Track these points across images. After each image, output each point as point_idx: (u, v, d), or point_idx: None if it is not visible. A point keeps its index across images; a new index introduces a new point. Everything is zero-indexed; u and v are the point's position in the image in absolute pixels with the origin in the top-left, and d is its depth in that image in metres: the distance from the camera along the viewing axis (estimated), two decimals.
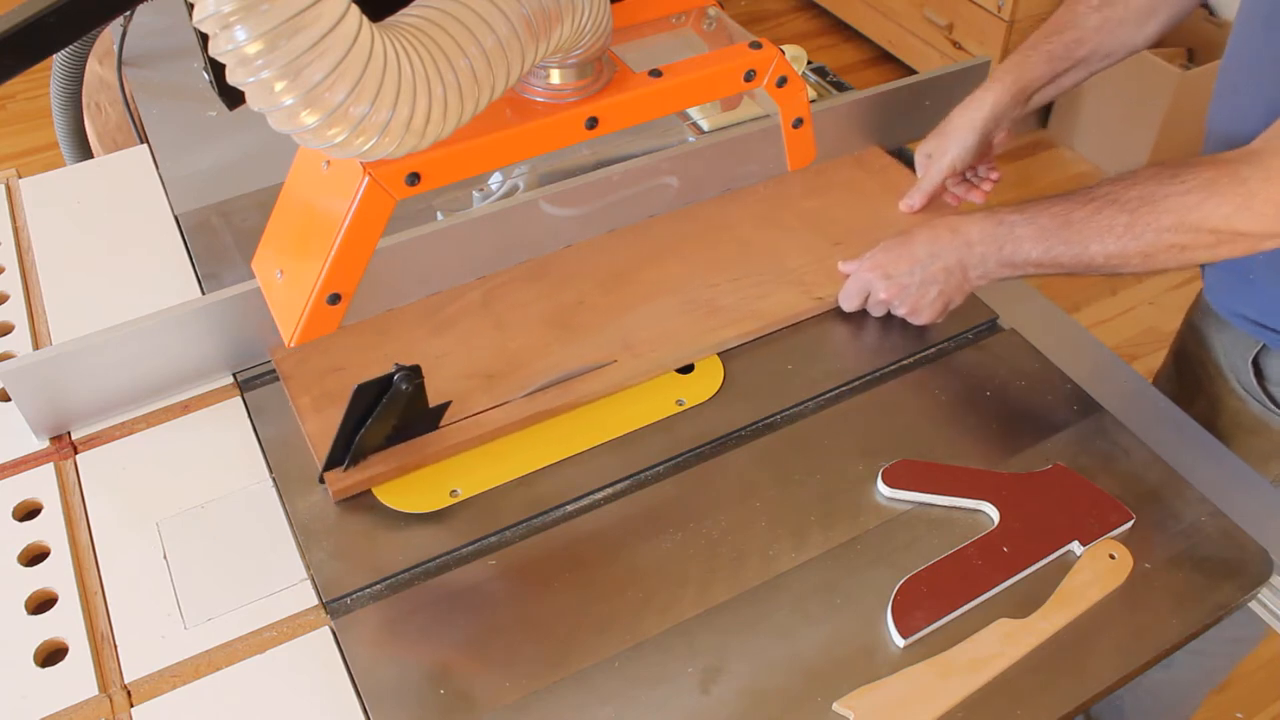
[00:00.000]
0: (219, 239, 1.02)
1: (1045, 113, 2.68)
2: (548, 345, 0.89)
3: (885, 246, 0.91)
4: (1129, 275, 0.80)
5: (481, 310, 0.92)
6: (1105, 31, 0.97)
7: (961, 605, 0.73)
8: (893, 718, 0.67)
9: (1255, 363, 0.94)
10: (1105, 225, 0.77)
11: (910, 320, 0.92)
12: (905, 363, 0.91)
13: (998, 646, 0.71)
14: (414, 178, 0.60)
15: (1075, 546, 0.76)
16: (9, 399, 0.83)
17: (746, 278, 0.96)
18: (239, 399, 0.87)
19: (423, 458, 0.81)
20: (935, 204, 1.04)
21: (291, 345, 0.64)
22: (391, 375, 0.75)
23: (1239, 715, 1.57)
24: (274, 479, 0.81)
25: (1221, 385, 0.98)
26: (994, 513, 0.78)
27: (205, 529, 0.78)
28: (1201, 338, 1.01)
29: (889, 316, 0.93)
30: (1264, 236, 0.73)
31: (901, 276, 0.89)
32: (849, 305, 0.94)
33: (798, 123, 0.78)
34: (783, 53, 0.71)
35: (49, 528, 0.78)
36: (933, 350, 0.93)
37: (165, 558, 0.76)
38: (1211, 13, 2.42)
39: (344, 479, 0.79)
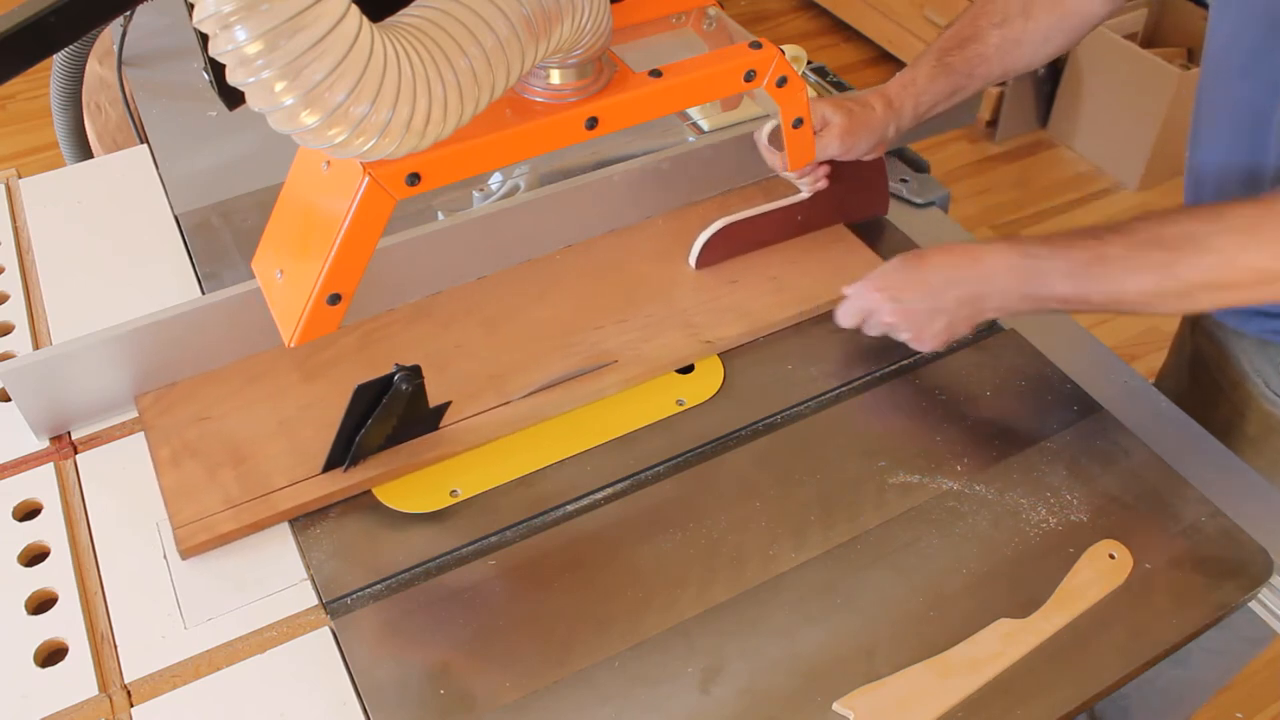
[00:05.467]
0: (219, 239, 1.02)
1: (1045, 113, 2.68)
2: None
3: (896, 267, 0.86)
4: (1158, 315, 0.78)
5: (357, 355, 0.88)
6: (1004, 50, 0.95)
7: (748, 251, 0.97)
8: (892, 717, 0.68)
9: None
10: (1141, 262, 0.74)
11: (912, 346, 0.87)
12: (905, 363, 0.91)
13: (998, 646, 0.71)
14: (414, 178, 0.60)
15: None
16: (9, 399, 0.83)
17: (634, 319, 0.92)
18: None
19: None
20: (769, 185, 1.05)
21: (291, 345, 0.64)
22: (391, 375, 0.75)
23: (1239, 715, 1.57)
24: None
25: (1246, 391, 0.96)
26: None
27: None
28: (1218, 346, 0.99)
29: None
30: None
31: (911, 302, 0.84)
32: (846, 323, 0.89)
33: (798, 123, 0.78)
34: (783, 53, 0.71)
35: (49, 528, 0.77)
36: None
37: (165, 558, 0.76)
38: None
39: (202, 533, 0.75)
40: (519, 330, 0.91)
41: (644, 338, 0.90)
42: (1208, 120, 0.90)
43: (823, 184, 0.98)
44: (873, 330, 0.89)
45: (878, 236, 1.03)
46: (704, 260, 0.97)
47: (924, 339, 0.86)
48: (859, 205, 1.02)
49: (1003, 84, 2.57)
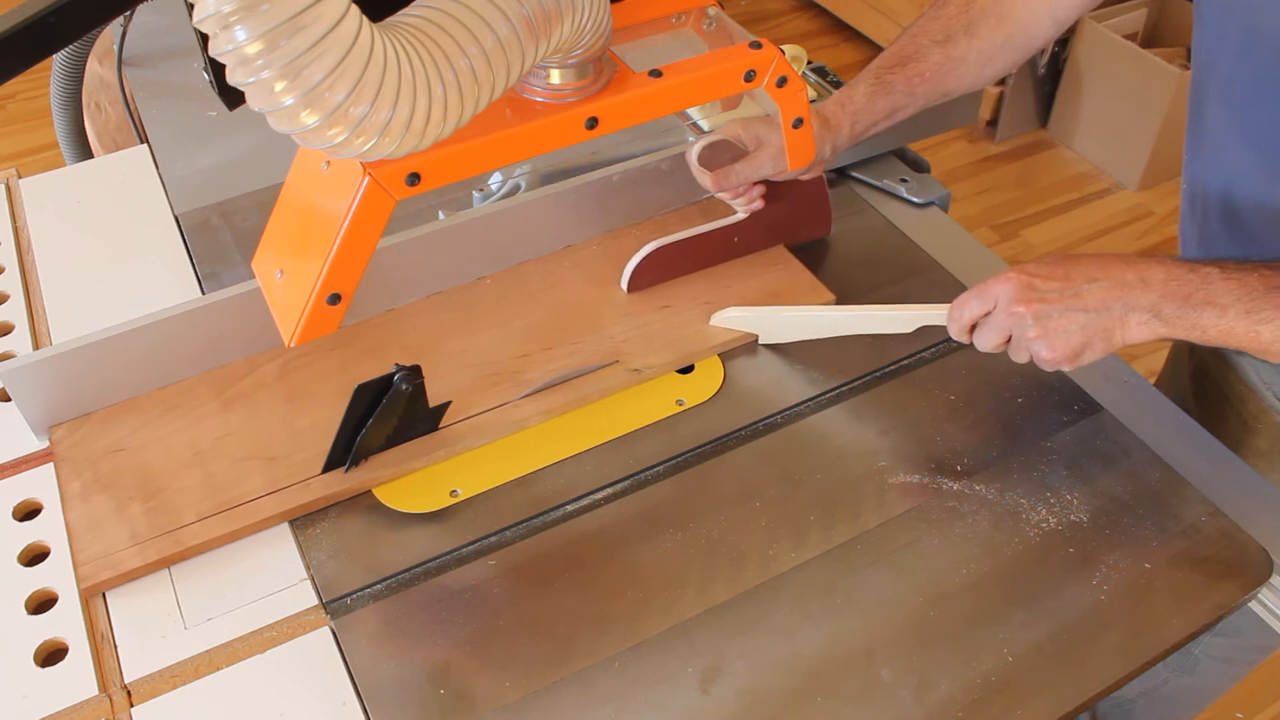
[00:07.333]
0: (219, 239, 1.02)
1: (1045, 112, 2.68)
2: (336, 423, 0.78)
3: (1039, 260, 0.75)
4: None
5: (277, 383, 0.86)
6: (946, 69, 0.92)
7: (682, 274, 0.96)
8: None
9: None
10: None
11: (1034, 353, 0.75)
12: (905, 362, 0.91)
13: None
14: (414, 178, 0.60)
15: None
16: (9, 399, 0.83)
17: (560, 346, 0.89)
18: None
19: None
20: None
21: (291, 345, 0.64)
22: (392, 375, 0.75)
23: (1239, 715, 1.57)
24: None
25: (1256, 404, 0.94)
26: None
27: None
28: (1224, 358, 0.97)
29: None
30: None
31: (1047, 293, 0.72)
32: (959, 317, 0.77)
33: (798, 123, 0.78)
34: (783, 53, 0.71)
35: (49, 528, 0.77)
36: (932, 351, 0.93)
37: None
38: None
39: (105, 571, 0.73)
40: (442, 360, 0.88)
41: (569, 367, 0.88)
42: (1205, 128, 0.89)
43: (758, 204, 0.95)
44: (988, 334, 0.77)
45: (821, 259, 1.00)
46: (635, 284, 0.94)
47: (1053, 342, 0.73)
48: (799, 226, 1.00)
49: (1003, 82, 2.57)
